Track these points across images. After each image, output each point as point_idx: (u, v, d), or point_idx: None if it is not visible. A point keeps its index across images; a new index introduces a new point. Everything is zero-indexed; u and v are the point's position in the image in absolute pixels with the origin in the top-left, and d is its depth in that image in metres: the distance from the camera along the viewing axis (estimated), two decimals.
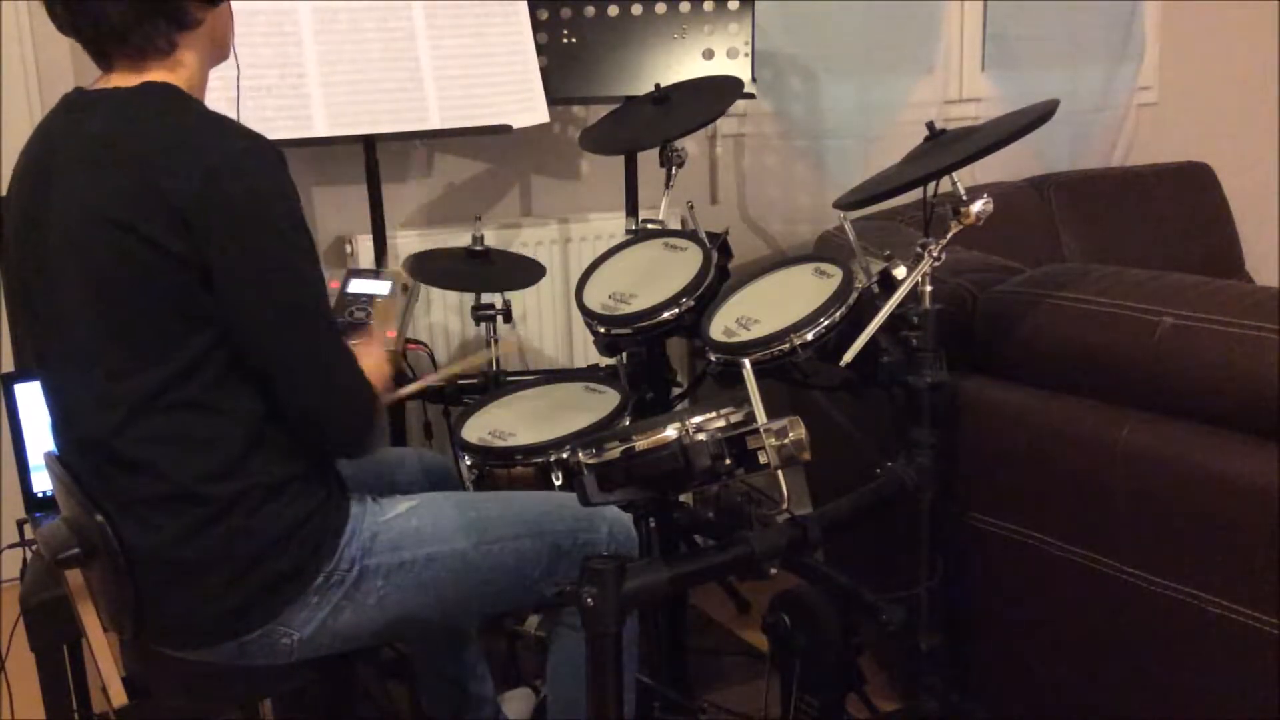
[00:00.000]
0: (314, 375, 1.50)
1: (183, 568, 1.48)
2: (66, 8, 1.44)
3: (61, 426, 1.56)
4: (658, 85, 2.37)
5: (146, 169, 1.38)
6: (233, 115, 1.53)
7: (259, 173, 1.42)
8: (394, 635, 1.82)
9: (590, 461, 1.48)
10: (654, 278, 2.04)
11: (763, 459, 1.45)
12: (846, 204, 1.91)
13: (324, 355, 1.51)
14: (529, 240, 2.81)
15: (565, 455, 1.68)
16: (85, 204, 1.41)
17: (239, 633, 1.51)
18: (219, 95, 1.65)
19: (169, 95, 1.46)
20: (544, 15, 2.61)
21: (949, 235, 1.77)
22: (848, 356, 1.76)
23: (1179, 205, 3.51)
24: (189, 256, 1.39)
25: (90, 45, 1.47)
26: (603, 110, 2.51)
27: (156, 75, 1.47)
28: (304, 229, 1.47)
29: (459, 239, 2.41)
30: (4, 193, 1.56)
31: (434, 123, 2.41)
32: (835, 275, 1.88)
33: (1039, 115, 1.74)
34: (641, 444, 1.46)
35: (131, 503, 1.48)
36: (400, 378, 2.31)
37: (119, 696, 1.59)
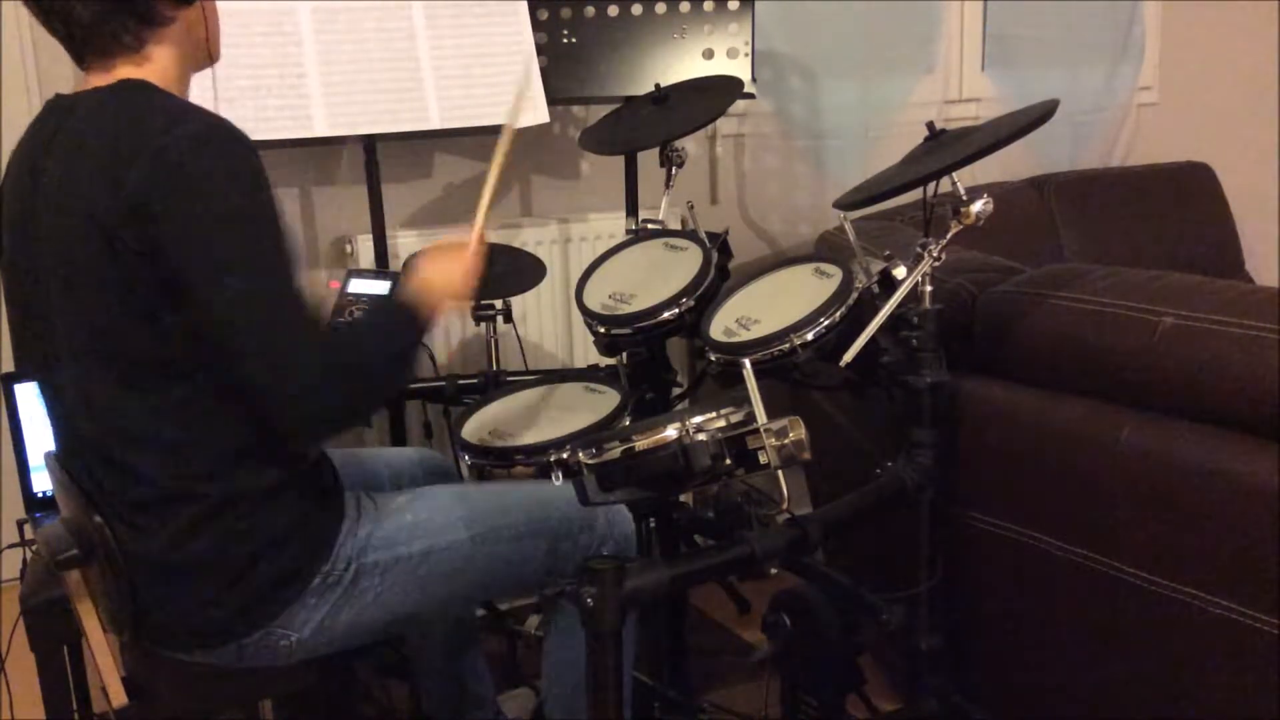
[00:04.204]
0: (263, 359, 1.39)
1: (180, 571, 1.48)
2: (38, 5, 1.45)
3: (56, 427, 1.56)
4: (658, 85, 2.37)
5: (108, 163, 1.37)
6: (221, 112, 1.51)
7: (209, 156, 1.38)
8: (393, 632, 1.82)
9: (590, 461, 1.48)
10: (654, 278, 2.04)
11: (763, 459, 1.45)
12: (846, 204, 1.91)
13: (275, 339, 1.40)
14: (529, 240, 2.81)
15: (565, 455, 1.68)
16: (62, 204, 1.41)
17: (238, 635, 1.52)
18: (214, 95, 1.65)
19: (140, 90, 1.45)
20: (544, 15, 2.61)
21: (949, 235, 1.77)
22: (848, 356, 1.76)
23: (1179, 205, 3.51)
24: (146, 250, 1.37)
25: (64, 42, 1.47)
26: (603, 110, 2.51)
27: (126, 72, 1.46)
28: (258, 216, 1.40)
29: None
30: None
31: (434, 123, 2.41)
32: (835, 275, 1.88)
33: (1039, 115, 1.74)
34: (641, 444, 1.46)
35: (124, 505, 1.48)
36: None
37: (119, 696, 1.59)
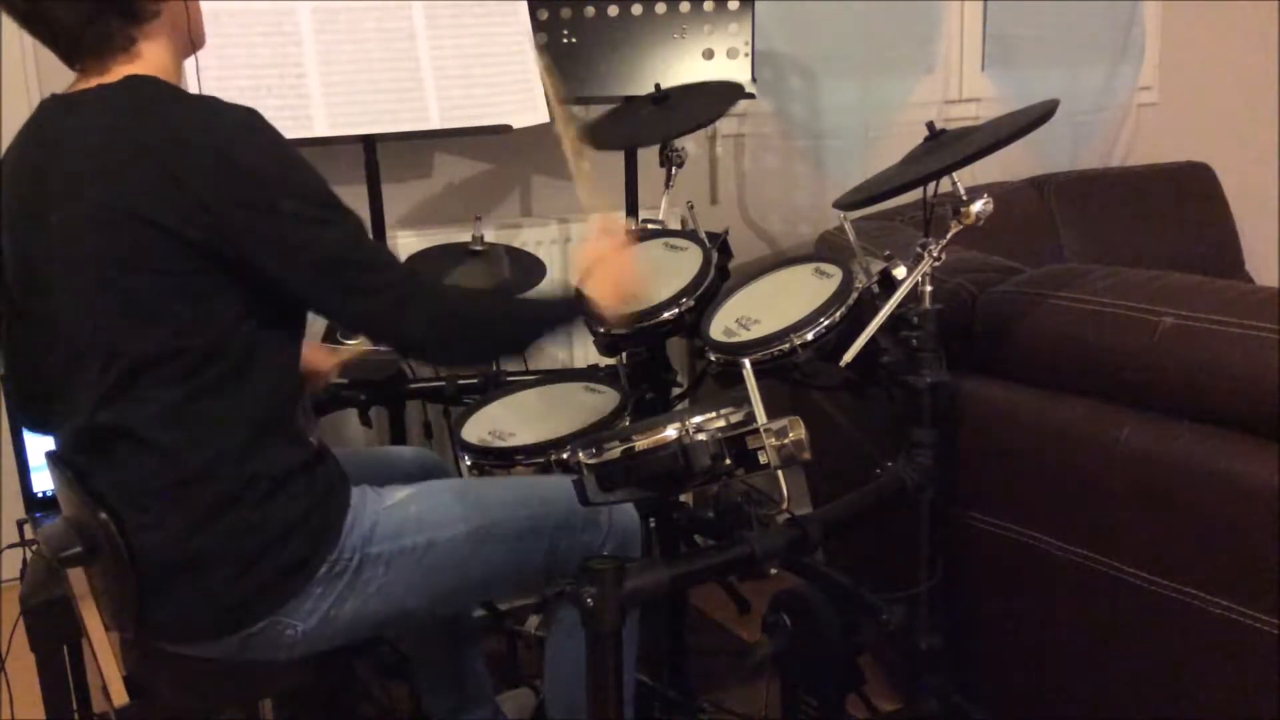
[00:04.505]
0: (376, 312, 1.49)
1: (188, 563, 1.48)
2: (18, 13, 1.44)
3: (61, 422, 1.56)
4: (658, 85, 2.37)
5: (158, 159, 1.39)
6: None
7: (259, 146, 1.43)
8: (395, 626, 1.82)
9: (590, 461, 1.48)
10: (654, 277, 2.04)
11: (763, 459, 1.45)
12: (846, 204, 1.91)
13: (380, 292, 1.48)
14: (529, 240, 2.81)
15: (565, 455, 1.68)
16: (97, 202, 1.41)
17: (243, 626, 1.52)
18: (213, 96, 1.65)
19: (154, 86, 1.46)
20: (544, 15, 2.61)
21: (949, 235, 1.77)
22: (848, 356, 1.76)
23: (1179, 205, 3.51)
24: (207, 241, 1.40)
25: (51, 48, 1.47)
26: (603, 110, 2.51)
27: (123, 70, 1.47)
28: (316, 192, 1.46)
29: (459, 239, 2.41)
30: None
31: (434, 123, 2.41)
32: (835, 275, 1.89)
33: (1039, 115, 1.74)
34: (641, 444, 1.46)
35: (129, 501, 1.48)
36: (400, 377, 2.32)
37: (119, 696, 1.59)
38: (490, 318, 1.61)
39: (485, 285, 2.20)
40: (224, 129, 1.42)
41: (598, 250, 1.73)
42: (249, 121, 1.44)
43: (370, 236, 1.53)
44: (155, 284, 1.41)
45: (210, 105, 1.46)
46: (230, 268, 1.42)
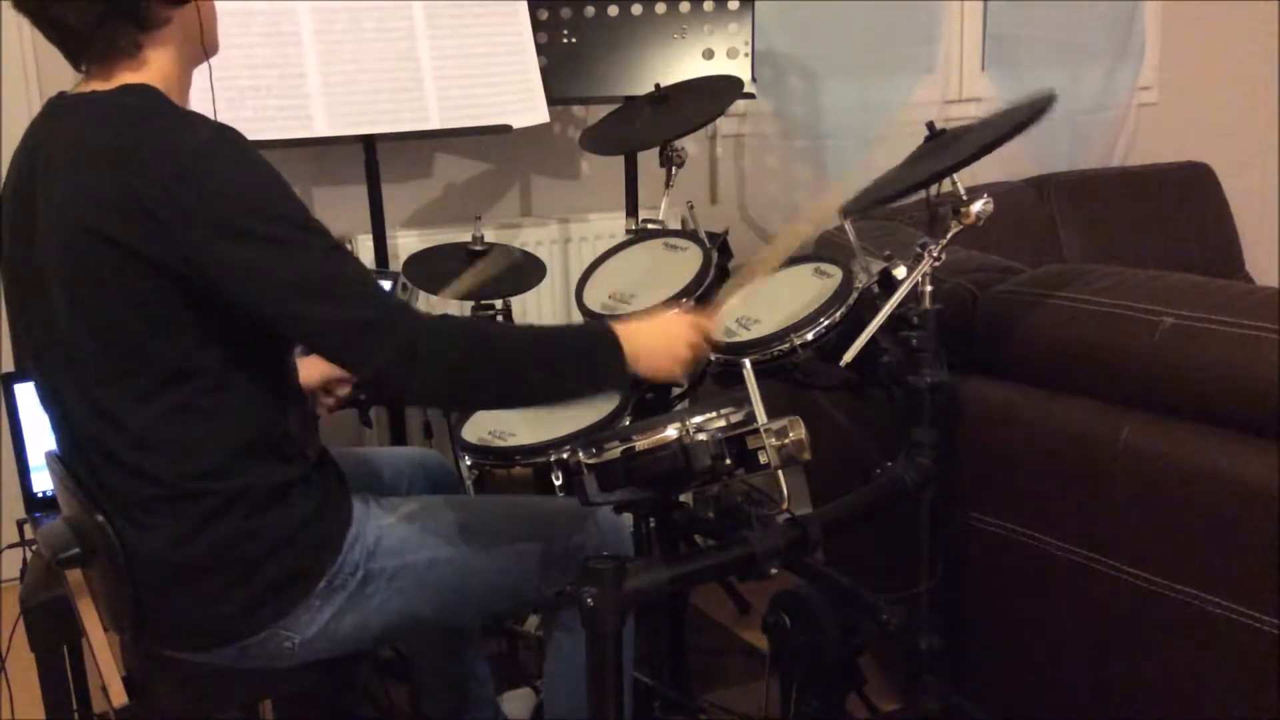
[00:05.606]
0: (339, 337, 1.40)
1: (184, 570, 1.48)
2: (28, 12, 1.44)
3: (58, 428, 1.56)
4: (658, 85, 2.37)
5: (119, 174, 1.36)
6: (221, 112, 1.50)
7: (226, 166, 1.38)
8: (394, 638, 1.83)
9: (590, 461, 1.48)
10: (654, 278, 2.04)
11: (763, 459, 1.45)
12: (852, 210, 1.91)
13: (336, 320, 1.39)
14: (529, 240, 2.81)
15: (565, 455, 1.68)
16: (65, 211, 1.40)
17: (240, 636, 1.51)
18: (214, 95, 1.65)
19: (142, 96, 1.43)
20: (544, 15, 2.61)
21: (949, 235, 1.77)
22: (848, 356, 1.76)
23: (1179, 205, 3.51)
24: (166, 261, 1.37)
25: (59, 49, 1.46)
26: (603, 110, 2.51)
27: (127, 77, 1.45)
28: (282, 215, 1.39)
29: (459, 239, 2.41)
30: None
31: (434, 123, 2.42)
32: (835, 275, 1.89)
33: (1036, 109, 1.73)
34: (641, 444, 1.46)
35: (129, 504, 1.47)
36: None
37: (119, 696, 1.59)
38: (483, 354, 1.46)
39: None
40: (189, 148, 1.37)
41: (677, 324, 1.64)
42: (217, 141, 1.39)
43: (348, 262, 1.42)
44: (113, 301, 1.39)
45: (182, 123, 1.41)
46: (190, 288, 1.39)
